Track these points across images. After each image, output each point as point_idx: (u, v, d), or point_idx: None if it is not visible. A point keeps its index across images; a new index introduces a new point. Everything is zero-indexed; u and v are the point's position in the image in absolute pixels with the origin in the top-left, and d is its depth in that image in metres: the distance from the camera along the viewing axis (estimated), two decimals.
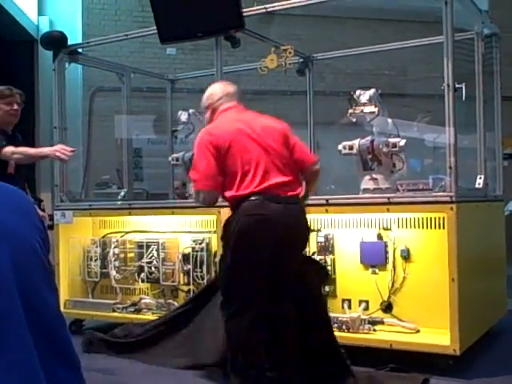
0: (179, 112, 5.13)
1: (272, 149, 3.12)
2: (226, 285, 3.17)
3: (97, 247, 4.94)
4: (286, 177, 3.11)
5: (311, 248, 4.12)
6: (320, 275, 3.47)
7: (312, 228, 4.21)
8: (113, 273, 4.86)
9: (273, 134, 3.18)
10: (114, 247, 4.87)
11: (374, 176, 4.10)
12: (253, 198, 3.02)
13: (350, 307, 4.03)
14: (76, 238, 5.01)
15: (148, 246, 4.74)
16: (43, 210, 4.37)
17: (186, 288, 4.65)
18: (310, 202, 4.31)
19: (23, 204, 1.15)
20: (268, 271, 3.06)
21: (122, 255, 4.88)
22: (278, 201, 3.03)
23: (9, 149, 3.96)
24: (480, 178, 4.23)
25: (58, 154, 4.01)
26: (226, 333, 3.17)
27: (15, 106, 4.17)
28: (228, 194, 3.11)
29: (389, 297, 3.92)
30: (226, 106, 3.30)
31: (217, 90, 3.39)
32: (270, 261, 3.04)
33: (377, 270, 3.97)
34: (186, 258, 4.59)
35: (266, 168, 3.06)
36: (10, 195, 1.13)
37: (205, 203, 3.30)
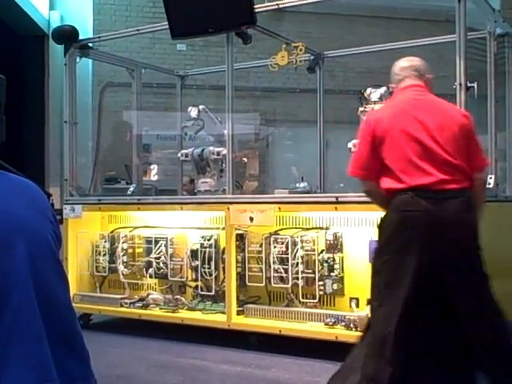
0: (189, 108, 5.12)
1: (436, 152, 2.77)
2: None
3: (105, 242, 4.95)
4: (447, 175, 2.76)
5: (319, 246, 4.13)
6: None
7: (321, 226, 4.22)
8: (121, 268, 4.88)
9: (447, 135, 2.83)
10: (123, 242, 4.88)
11: None
12: (403, 194, 2.74)
13: (357, 306, 4.01)
14: (85, 233, 5.02)
15: (156, 242, 4.75)
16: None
17: (193, 284, 4.66)
18: (318, 199, 4.34)
19: (37, 197, 1.15)
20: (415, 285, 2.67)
21: (130, 250, 4.90)
22: (430, 196, 2.71)
23: None
24: (490, 178, 4.21)
25: None
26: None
27: None
28: (383, 187, 2.85)
29: None
30: (404, 85, 3.06)
31: (396, 68, 3.17)
32: (418, 269, 2.67)
33: None
34: (194, 254, 4.60)
35: (422, 165, 2.75)
36: (25, 189, 1.14)
37: (363, 192, 3.07)
